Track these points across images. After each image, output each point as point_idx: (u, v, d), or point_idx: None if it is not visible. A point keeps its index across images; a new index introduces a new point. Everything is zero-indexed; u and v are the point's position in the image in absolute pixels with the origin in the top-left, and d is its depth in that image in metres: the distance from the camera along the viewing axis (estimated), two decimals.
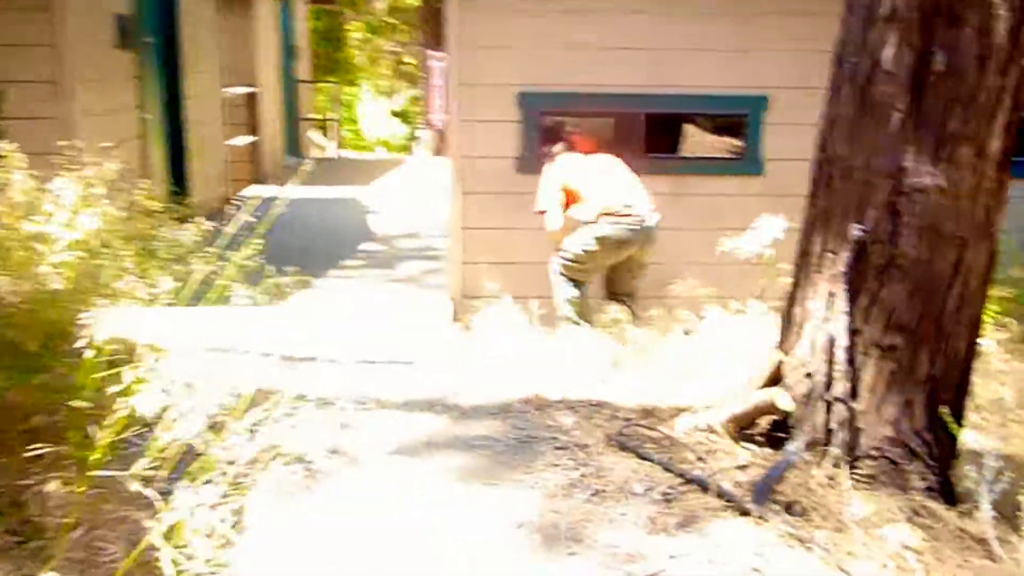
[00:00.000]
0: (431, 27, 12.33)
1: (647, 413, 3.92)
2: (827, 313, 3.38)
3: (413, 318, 5.77)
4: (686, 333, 5.38)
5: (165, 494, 2.45)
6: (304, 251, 7.87)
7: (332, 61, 20.03)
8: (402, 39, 21.93)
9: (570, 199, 5.32)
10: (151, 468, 2.46)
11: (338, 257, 7.64)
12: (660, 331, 5.16)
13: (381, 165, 15.10)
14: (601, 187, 5.35)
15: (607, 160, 5.56)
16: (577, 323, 5.32)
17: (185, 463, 2.61)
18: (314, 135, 19.04)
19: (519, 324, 5.39)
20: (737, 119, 6.01)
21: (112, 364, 2.65)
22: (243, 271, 3.68)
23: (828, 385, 3.29)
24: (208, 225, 3.41)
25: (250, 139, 11.11)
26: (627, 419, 3.85)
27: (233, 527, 2.53)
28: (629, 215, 5.27)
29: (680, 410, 3.88)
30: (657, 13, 5.87)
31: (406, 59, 22.36)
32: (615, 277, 5.56)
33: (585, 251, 5.28)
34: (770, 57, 5.93)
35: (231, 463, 2.57)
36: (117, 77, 6.90)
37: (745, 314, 5.14)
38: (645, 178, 5.91)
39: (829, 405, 3.30)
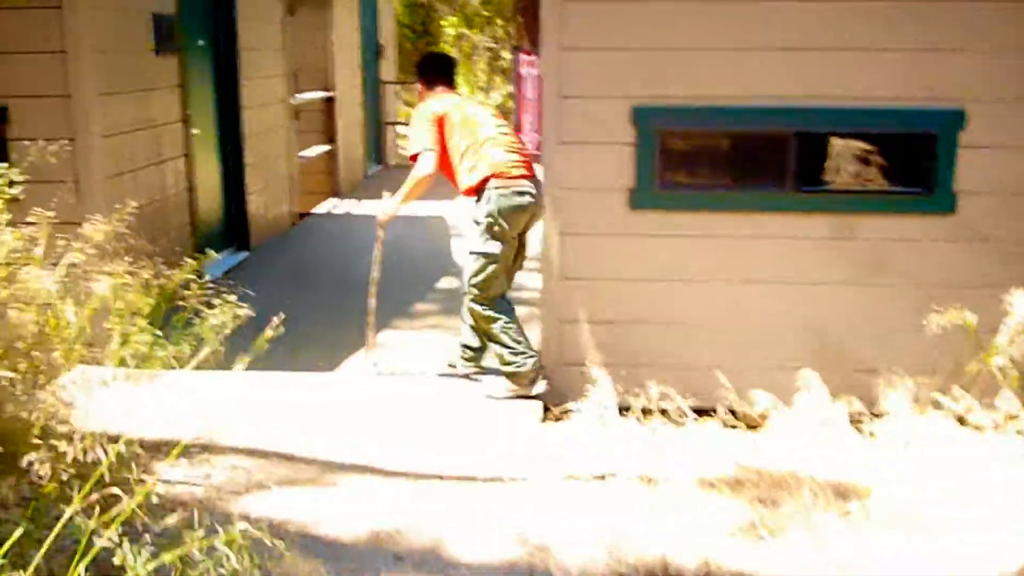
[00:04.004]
0: (528, 20, 10.87)
1: None
2: None
3: (489, 403, 4.54)
4: (860, 431, 4.03)
5: None
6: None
7: None
8: (497, 34, 20.75)
9: (444, 148, 4.28)
10: None
11: (409, 299, 6.44)
12: (815, 428, 3.82)
13: None
14: (493, 134, 4.33)
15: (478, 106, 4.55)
16: (515, 361, 4.35)
17: None
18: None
19: (633, 414, 4.09)
20: (920, 140, 4.60)
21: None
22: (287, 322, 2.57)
23: None
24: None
25: (324, 149, 10.08)
26: None
27: None
28: (521, 175, 4.31)
29: None
30: (813, 1, 4.51)
31: (503, 55, 21.22)
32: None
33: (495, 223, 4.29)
34: (967, 59, 4.50)
35: None
36: (155, 87, 5.87)
37: (955, 410, 3.72)
38: (797, 216, 4.59)
39: None
